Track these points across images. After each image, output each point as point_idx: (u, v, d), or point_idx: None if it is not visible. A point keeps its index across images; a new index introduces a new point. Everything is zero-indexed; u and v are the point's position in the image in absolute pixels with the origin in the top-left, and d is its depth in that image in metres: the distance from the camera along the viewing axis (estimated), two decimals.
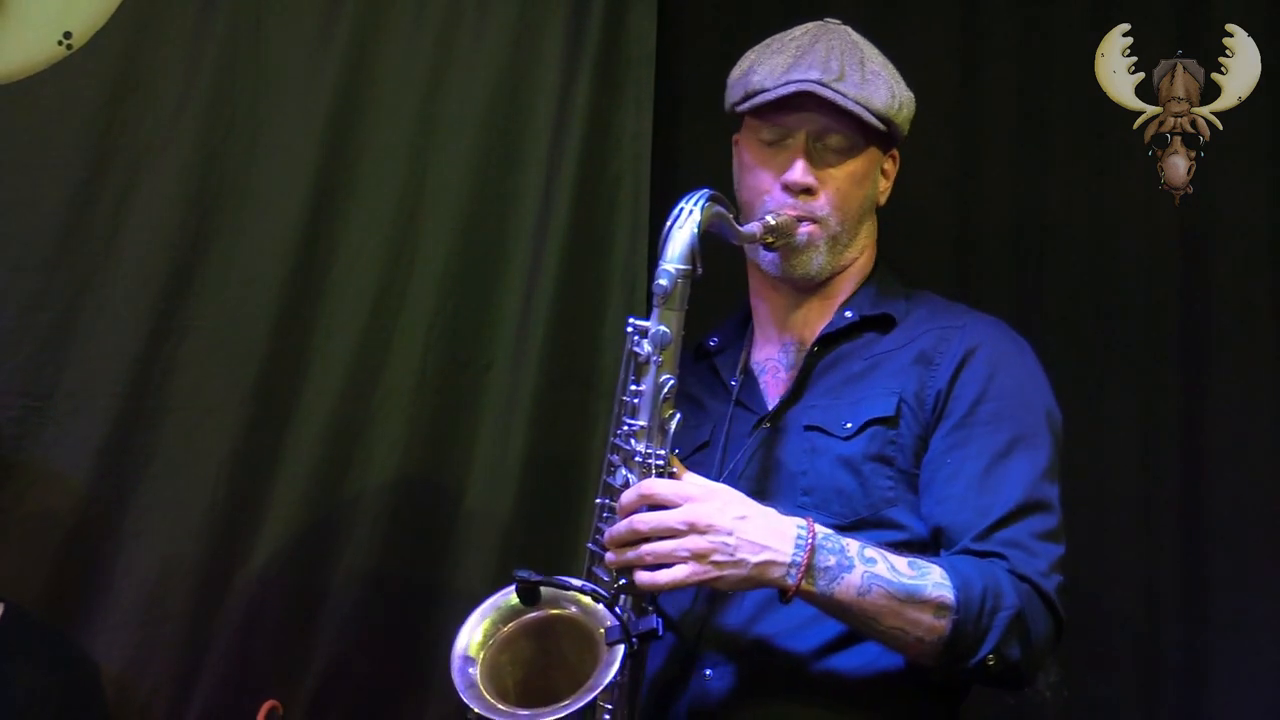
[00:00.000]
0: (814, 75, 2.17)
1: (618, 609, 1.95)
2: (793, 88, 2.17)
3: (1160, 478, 2.95)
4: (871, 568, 1.94)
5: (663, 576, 1.92)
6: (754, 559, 1.93)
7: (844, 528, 2.01)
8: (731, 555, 1.92)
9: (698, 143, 3.01)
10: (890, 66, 2.27)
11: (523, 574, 1.99)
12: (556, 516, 2.82)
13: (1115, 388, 2.97)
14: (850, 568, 1.94)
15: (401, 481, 2.79)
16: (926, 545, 2.06)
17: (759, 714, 2.05)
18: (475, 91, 2.86)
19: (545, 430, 2.86)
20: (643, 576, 1.94)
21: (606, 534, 1.99)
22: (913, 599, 1.94)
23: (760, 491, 2.08)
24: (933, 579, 1.95)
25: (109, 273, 2.63)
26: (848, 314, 2.24)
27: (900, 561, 1.96)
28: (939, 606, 1.94)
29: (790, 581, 1.93)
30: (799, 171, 2.18)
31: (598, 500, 2.06)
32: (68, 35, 2.61)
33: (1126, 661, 2.92)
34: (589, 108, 2.91)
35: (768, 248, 2.19)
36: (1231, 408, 2.93)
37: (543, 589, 2.01)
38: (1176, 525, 2.93)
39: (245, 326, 2.71)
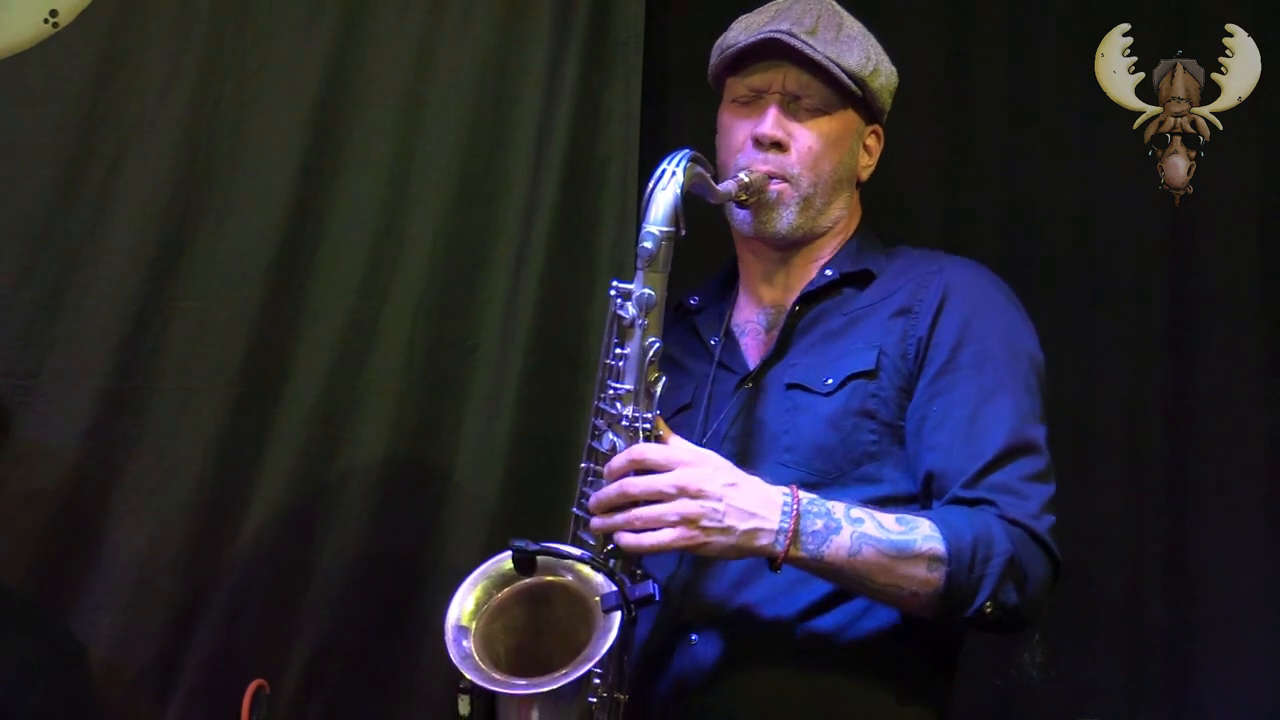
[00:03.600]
0: (784, 27, 2.17)
1: (616, 575, 1.93)
2: (762, 35, 2.17)
3: (1147, 459, 2.96)
4: (859, 527, 1.94)
5: (648, 539, 1.92)
6: (742, 526, 1.92)
7: (827, 484, 2.01)
8: (720, 522, 1.92)
9: (686, 124, 2.99)
10: (872, 38, 2.26)
11: (519, 544, 1.98)
12: (543, 495, 2.81)
13: (1112, 385, 2.98)
14: (838, 529, 1.93)
15: (388, 461, 2.78)
16: (911, 500, 2.06)
17: (746, 678, 2.05)
18: (463, 72, 2.84)
19: (532, 410, 2.85)
20: (628, 539, 1.93)
21: (593, 497, 1.98)
22: (903, 554, 1.93)
23: (743, 452, 2.07)
24: (922, 532, 1.94)
25: (95, 252, 2.62)
26: (828, 272, 2.23)
27: (888, 519, 1.96)
28: (931, 559, 1.93)
29: (778, 549, 1.92)
30: (769, 124, 2.18)
31: (583, 465, 2.05)
32: (53, 14, 2.60)
33: (1113, 641, 2.92)
34: (577, 88, 2.90)
35: (740, 205, 2.18)
36: (1223, 403, 2.94)
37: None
38: (1163, 505, 2.94)
39: (233, 306, 2.70)
